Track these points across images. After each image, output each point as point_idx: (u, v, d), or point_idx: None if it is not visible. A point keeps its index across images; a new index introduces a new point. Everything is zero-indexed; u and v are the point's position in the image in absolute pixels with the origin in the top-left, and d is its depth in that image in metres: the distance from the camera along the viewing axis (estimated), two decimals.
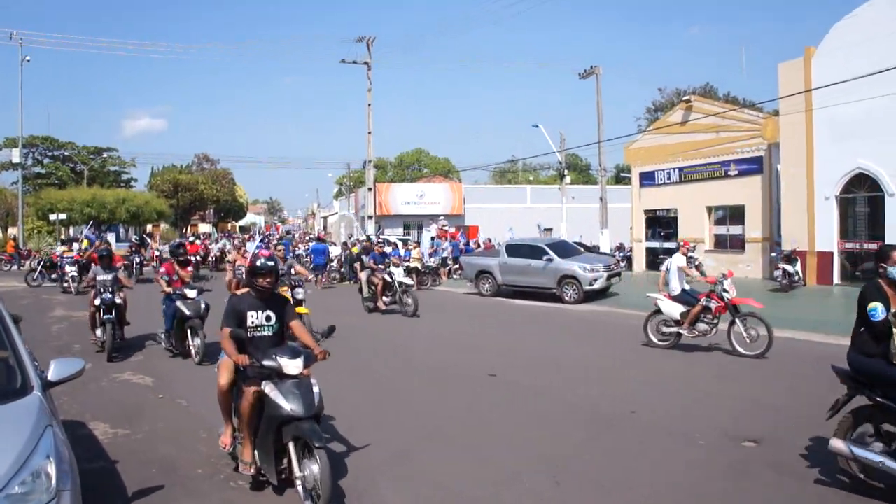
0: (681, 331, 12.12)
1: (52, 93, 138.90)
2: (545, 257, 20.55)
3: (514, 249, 22.05)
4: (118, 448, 6.96)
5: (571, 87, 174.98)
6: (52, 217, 40.02)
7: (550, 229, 43.18)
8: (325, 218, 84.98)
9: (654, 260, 28.63)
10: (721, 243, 27.54)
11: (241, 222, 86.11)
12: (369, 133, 37.33)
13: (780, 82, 22.88)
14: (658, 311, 12.55)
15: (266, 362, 5.45)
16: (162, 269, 12.13)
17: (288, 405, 5.31)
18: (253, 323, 5.88)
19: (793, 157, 22.44)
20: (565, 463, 6.46)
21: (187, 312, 11.25)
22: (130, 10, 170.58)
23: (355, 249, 28.21)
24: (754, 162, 25.66)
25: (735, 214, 26.91)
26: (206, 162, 73.15)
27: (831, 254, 21.36)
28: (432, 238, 30.24)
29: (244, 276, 13.02)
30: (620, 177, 62.80)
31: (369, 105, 37.02)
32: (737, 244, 26.75)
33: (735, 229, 26.95)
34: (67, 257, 24.34)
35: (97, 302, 11.85)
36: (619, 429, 7.48)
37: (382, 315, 17.23)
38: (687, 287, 12.65)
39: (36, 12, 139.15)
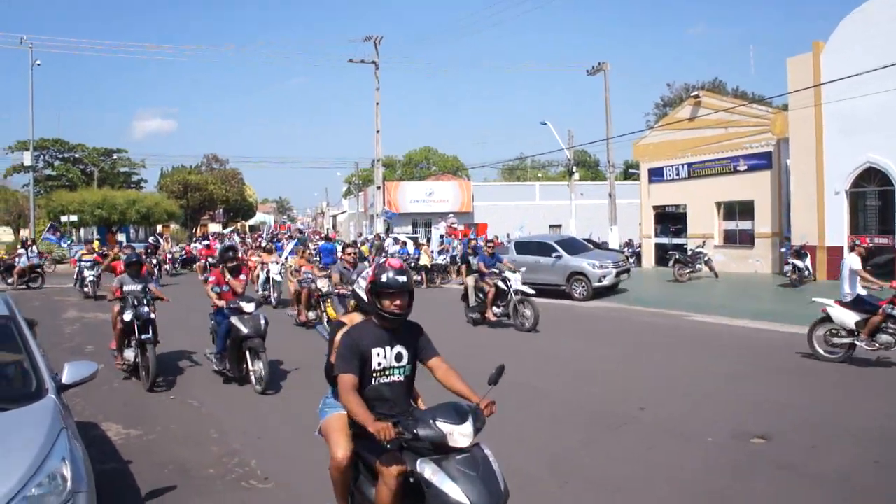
0: (856, 342, 10.43)
1: (62, 95, 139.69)
2: (554, 254, 20.57)
3: (523, 246, 22.06)
4: (131, 449, 7.03)
5: (580, 84, 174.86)
6: (64, 219, 40.29)
7: (559, 226, 43.14)
8: (334, 216, 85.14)
9: (664, 256, 28.58)
10: (730, 239, 27.49)
11: (251, 221, 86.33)
12: (377, 132, 37.44)
13: (788, 77, 22.83)
14: (826, 319, 10.90)
15: (422, 431, 3.63)
16: (211, 279, 10.28)
17: (466, 499, 3.52)
18: (380, 365, 4.06)
19: (802, 152, 22.38)
20: (574, 462, 6.49)
21: (245, 331, 9.41)
22: (138, 12, 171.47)
23: (364, 249, 28.35)
24: (763, 157, 25.60)
25: (744, 210, 26.85)
26: (216, 162, 73.39)
27: (841, 248, 21.27)
28: (441, 236, 30.27)
29: (332, 290, 12.75)
30: (629, 173, 62.69)
31: (377, 104, 37.14)
32: (746, 239, 26.69)
33: (744, 224, 26.89)
34: (87, 260, 22.49)
35: (127, 317, 9.66)
36: (628, 427, 7.50)
37: None
38: (863, 292, 10.83)
39: (44, 14, 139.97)
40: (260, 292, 19.47)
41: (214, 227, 66.46)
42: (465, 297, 15.93)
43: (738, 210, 27.24)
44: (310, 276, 15.58)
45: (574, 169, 38.36)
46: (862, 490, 5.67)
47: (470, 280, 15.60)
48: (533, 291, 14.87)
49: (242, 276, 10.37)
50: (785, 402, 8.42)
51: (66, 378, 4.75)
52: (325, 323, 12.38)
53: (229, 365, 9.75)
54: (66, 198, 42.89)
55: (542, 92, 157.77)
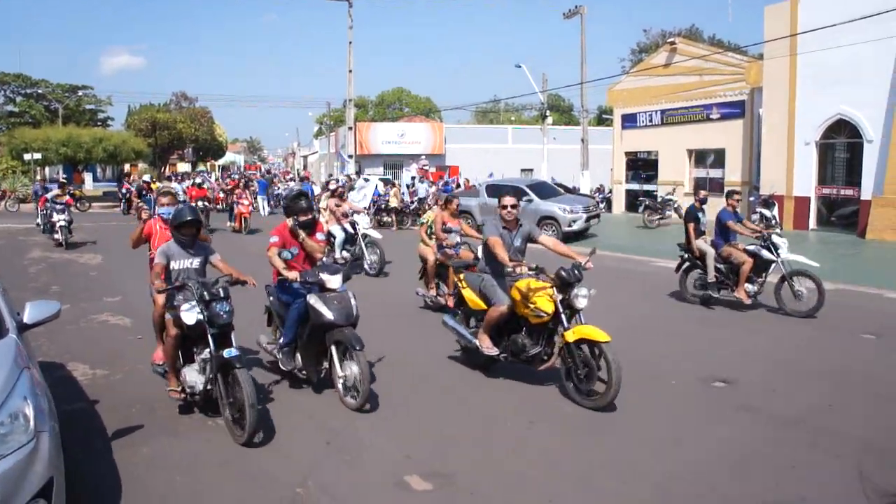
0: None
1: (23, 27, 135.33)
2: (525, 198, 20.59)
3: (495, 189, 22.04)
4: (98, 389, 7.01)
5: (555, 27, 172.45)
6: (27, 157, 39.25)
7: (531, 170, 43.13)
8: (305, 157, 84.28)
9: (634, 202, 28.74)
10: (701, 186, 27.58)
11: (221, 161, 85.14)
12: (350, 71, 36.80)
13: (765, 26, 22.71)
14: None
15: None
16: (273, 238, 7.05)
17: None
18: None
19: (775, 102, 22.42)
20: (538, 403, 6.61)
21: (330, 316, 6.43)
22: None
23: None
24: (736, 106, 25.62)
25: (715, 158, 26.98)
26: (185, 100, 71.84)
27: (808, 199, 21.53)
28: (412, 178, 30.10)
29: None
30: (603, 118, 62.48)
31: (350, 43, 36.41)
32: (716, 188, 26.84)
33: (715, 173, 27.04)
34: (59, 203, 19.81)
35: (191, 319, 5.88)
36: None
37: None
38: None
39: None
40: (338, 255, 14.44)
41: (184, 167, 65.53)
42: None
43: (710, 158, 27.36)
44: (457, 236, 11.03)
45: (547, 113, 38.27)
46: (815, 431, 5.84)
47: (705, 246, 11.21)
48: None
49: (320, 236, 7.37)
50: (750, 346, 8.60)
51: (27, 317, 4.70)
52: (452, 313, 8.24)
53: (302, 363, 6.95)
54: (29, 135, 41.62)
55: (517, 34, 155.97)
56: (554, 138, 42.73)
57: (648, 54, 40.19)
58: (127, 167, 57.00)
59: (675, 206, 24.39)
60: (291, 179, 44.03)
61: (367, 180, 29.02)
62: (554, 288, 6.66)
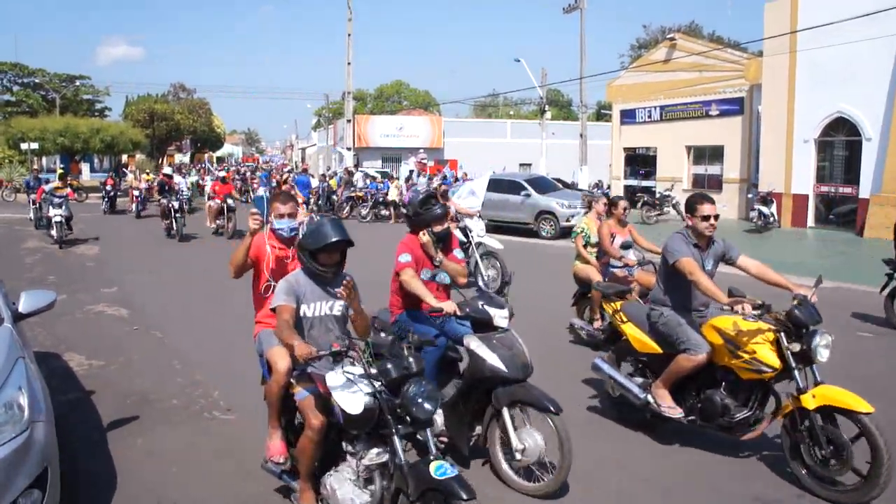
0: None
1: (20, 16, 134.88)
2: (523, 192, 20.62)
3: (493, 184, 21.93)
4: (93, 379, 6.99)
5: (555, 22, 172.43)
6: (24, 146, 39.12)
7: (529, 164, 43.09)
8: (303, 149, 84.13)
9: (632, 198, 28.70)
10: (699, 183, 27.63)
11: (219, 153, 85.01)
12: (349, 64, 36.73)
13: (765, 23, 22.70)
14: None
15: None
16: (404, 257, 5.35)
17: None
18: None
19: (774, 99, 22.40)
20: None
21: (502, 367, 4.68)
22: None
23: (333, 182, 28.14)
24: (735, 103, 25.61)
25: (714, 155, 26.97)
26: (183, 91, 71.73)
27: (807, 196, 21.53)
28: (410, 171, 30.07)
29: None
30: (601, 114, 62.40)
31: (349, 35, 36.34)
32: (714, 184, 26.86)
33: (713, 169, 27.05)
34: (58, 196, 17.87)
35: (354, 404, 3.69)
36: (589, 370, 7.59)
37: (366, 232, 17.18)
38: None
39: None
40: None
41: (181, 158, 65.41)
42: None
43: (708, 155, 27.36)
44: (632, 253, 8.47)
45: (546, 108, 38.15)
46: None
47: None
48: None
49: (458, 253, 5.70)
50: None
51: (22, 307, 4.68)
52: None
53: (446, 427, 5.03)
54: (26, 125, 41.53)
55: (517, 28, 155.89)
56: (553, 133, 42.68)
57: (648, 50, 40.10)
58: (124, 158, 56.88)
59: (674, 202, 24.38)
60: (290, 171, 43.92)
61: (365, 174, 29.00)
62: (781, 332, 4.93)
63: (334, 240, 4.06)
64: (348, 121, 38.98)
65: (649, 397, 5.52)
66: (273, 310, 4.16)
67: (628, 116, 30.39)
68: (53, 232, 17.57)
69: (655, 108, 28.84)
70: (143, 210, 26.49)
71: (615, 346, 6.19)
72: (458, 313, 4.88)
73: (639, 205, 24.48)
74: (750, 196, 22.84)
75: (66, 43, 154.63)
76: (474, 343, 4.75)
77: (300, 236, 4.26)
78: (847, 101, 20.02)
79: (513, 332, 4.91)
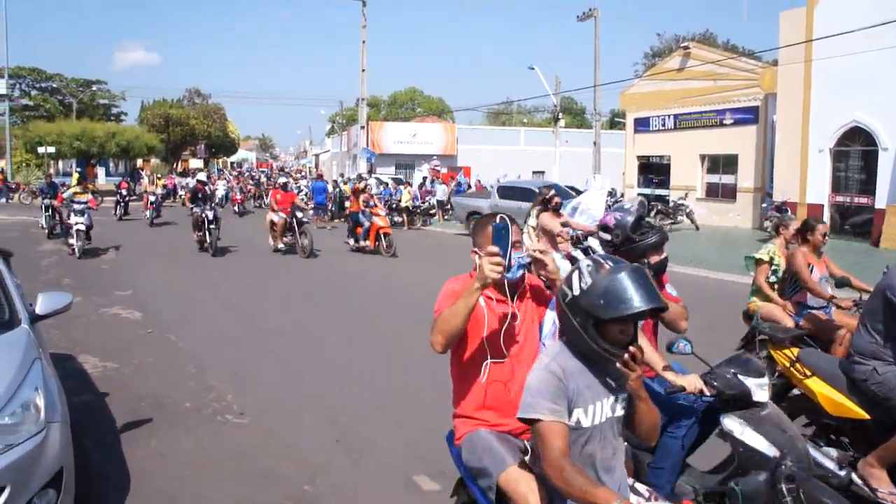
0: None
1: (38, 22, 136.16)
2: None
3: (506, 191, 22.04)
4: (107, 381, 7.02)
5: (569, 29, 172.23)
6: (41, 150, 39.60)
7: (542, 172, 43.05)
8: (316, 156, 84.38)
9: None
10: (713, 192, 27.56)
11: (233, 158, 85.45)
12: (363, 70, 36.83)
13: (780, 31, 22.64)
14: None
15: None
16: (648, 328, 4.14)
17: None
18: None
19: (789, 108, 22.31)
20: None
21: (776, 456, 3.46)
22: None
23: (347, 188, 28.18)
24: (750, 112, 25.53)
25: (728, 164, 26.89)
26: (198, 97, 72.14)
27: (822, 206, 21.40)
28: (424, 178, 30.13)
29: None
30: (615, 122, 62.30)
31: (363, 42, 36.44)
32: (728, 193, 26.77)
33: (727, 178, 26.96)
34: (79, 202, 16.73)
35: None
36: None
37: (370, 256, 17.23)
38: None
39: None
40: None
41: (196, 163, 65.75)
42: None
43: (722, 164, 27.28)
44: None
45: (560, 116, 38.11)
46: None
47: None
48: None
49: (671, 290, 4.22)
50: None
51: (39, 308, 4.71)
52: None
53: None
54: (43, 129, 42.13)
55: (531, 36, 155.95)
56: (566, 141, 42.60)
57: (662, 58, 40.08)
58: (139, 162, 57.21)
59: (687, 210, 24.32)
60: (303, 177, 44.06)
61: (379, 181, 29.04)
62: None
63: (648, 307, 2.48)
64: (362, 127, 39.08)
65: (854, 476, 4.14)
66: (524, 420, 2.61)
67: (642, 125, 30.36)
68: (72, 241, 16.32)
69: (669, 116, 28.80)
70: (157, 217, 24.95)
71: (786, 402, 4.90)
72: (707, 392, 3.48)
73: (652, 213, 24.42)
74: (764, 205, 22.73)
75: (84, 48, 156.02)
76: (735, 426, 3.52)
77: (518, 274, 3.02)
78: (863, 111, 19.91)
79: (773, 405, 3.63)
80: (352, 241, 17.90)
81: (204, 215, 16.91)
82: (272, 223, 17.46)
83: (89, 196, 17.65)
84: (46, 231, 19.91)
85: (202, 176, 21.40)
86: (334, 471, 5.12)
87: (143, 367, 7.55)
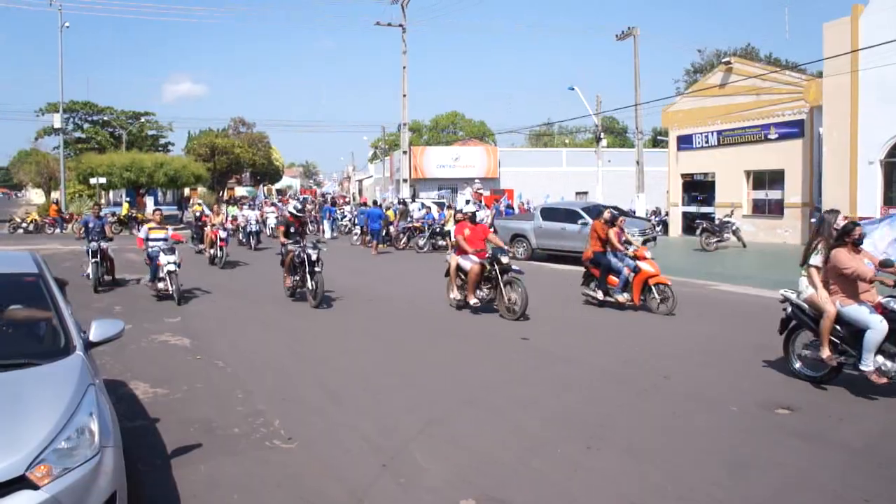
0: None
1: (91, 58, 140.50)
2: (580, 221, 20.46)
3: (549, 213, 21.99)
4: (158, 407, 7.13)
5: (609, 49, 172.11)
6: (93, 181, 40.64)
7: (585, 193, 42.74)
8: (360, 181, 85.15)
9: (691, 225, 28.31)
10: (759, 208, 27.14)
11: (277, 185, 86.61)
12: (404, 96, 37.18)
13: (824, 43, 22.32)
14: None
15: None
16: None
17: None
18: None
19: (836, 121, 21.93)
20: (598, 429, 6.46)
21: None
22: None
23: (390, 213, 28.35)
24: (795, 125, 25.15)
25: (774, 179, 26.47)
26: (243, 126, 73.44)
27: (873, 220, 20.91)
28: (467, 201, 30.17)
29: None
30: (657, 140, 61.87)
31: (404, 68, 36.82)
32: (775, 209, 26.34)
33: (774, 194, 26.53)
34: (157, 239, 14.54)
35: None
36: (651, 394, 7.47)
37: (424, 262, 17.26)
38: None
39: None
40: None
41: (241, 191, 66.78)
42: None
43: (768, 179, 26.87)
44: None
45: (601, 136, 38.01)
46: (889, 460, 5.62)
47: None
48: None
49: None
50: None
51: (93, 336, 4.81)
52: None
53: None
54: (95, 160, 43.21)
55: (570, 57, 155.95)
56: (608, 161, 42.48)
57: (703, 75, 39.75)
58: (187, 191, 58.28)
59: (734, 228, 23.96)
60: (347, 203, 44.48)
61: (422, 205, 29.26)
62: None
63: None
64: (404, 152, 39.36)
65: None
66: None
67: (685, 142, 30.08)
68: (163, 285, 13.93)
69: (713, 132, 28.49)
70: (224, 257, 20.01)
71: None
72: None
73: (697, 231, 24.12)
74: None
75: (134, 82, 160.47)
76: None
77: None
78: None
79: None
80: (599, 294, 13.06)
81: (303, 255, 13.18)
82: (472, 271, 12.24)
83: (170, 232, 15.02)
84: (93, 283, 15.15)
85: (295, 206, 15.77)
86: (382, 496, 5.11)
87: (193, 393, 7.65)
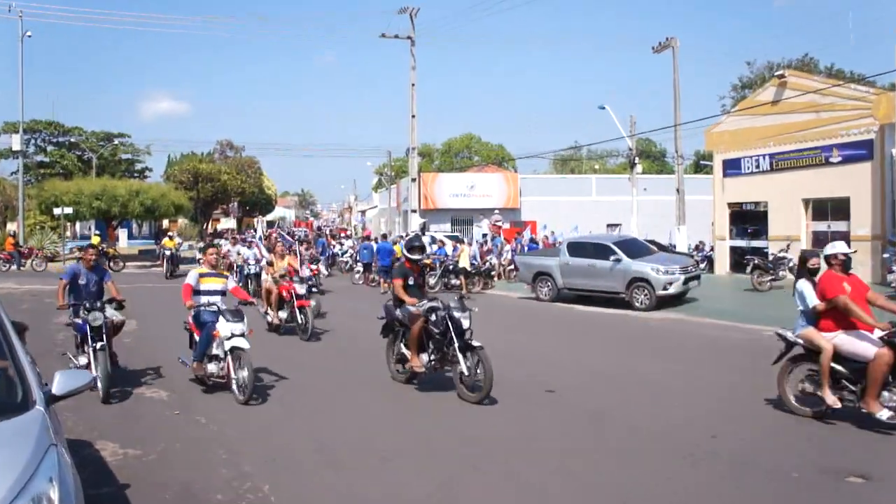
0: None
1: (56, 72, 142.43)
2: (612, 257, 20.41)
3: (577, 248, 21.94)
4: (128, 471, 7.07)
5: (644, 63, 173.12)
6: (57, 211, 40.44)
7: (618, 225, 42.78)
8: (362, 212, 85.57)
9: (740, 261, 28.18)
10: (821, 242, 26.96)
11: (269, 216, 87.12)
12: (413, 116, 37.47)
13: None
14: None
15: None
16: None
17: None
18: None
19: None
20: (641, 498, 6.38)
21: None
22: None
23: (398, 248, 28.41)
24: (862, 146, 25.06)
25: (838, 208, 26.34)
26: (230, 149, 74.07)
27: None
28: (484, 235, 30.24)
29: None
30: (700, 165, 61.99)
31: (413, 85, 37.16)
32: None
33: (838, 225, 26.36)
34: (212, 290, 10.63)
35: None
36: (699, 458, 7.37)
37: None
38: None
39: None
40: None
41: (228, 223, 67.16)
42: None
43: (831, 208, 26.73)
44: None
45: (636, 160, 38.07)
46: None
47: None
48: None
49: None
50: (887, 434, 8.18)
51: (56, 388, 4.75)
52: None
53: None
54: (60, 187, 43.05)
55: (600, 73, 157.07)
56: (644, 189, 42.55)
57: (753, 90, 39.87)
58: (165, 223, 58.56)
59: (790, 264, 23.82)
60: (348, 237, 44.61)
61: (433, 239, 29.36)
62: None
63: None
64: (413, 180, 39.52)
65: None
66: None
67: (732, 167, 30.05)
68: (216, 367, 10.24)
69: (764, 156, 28.44)
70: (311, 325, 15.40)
71: None
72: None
73: (748, 269, 23.98)
74: (886, 255, 22.14)
75: (105, 100, 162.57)
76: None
77: None
78: None
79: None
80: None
81: (450, 319, 10.02)
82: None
83: (230, 281, 11.33)
84: (102, 393, 9.67)
85: (411, 241, 11.90)
86: None
87: (169, 454, 7.60)
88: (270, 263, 16.91)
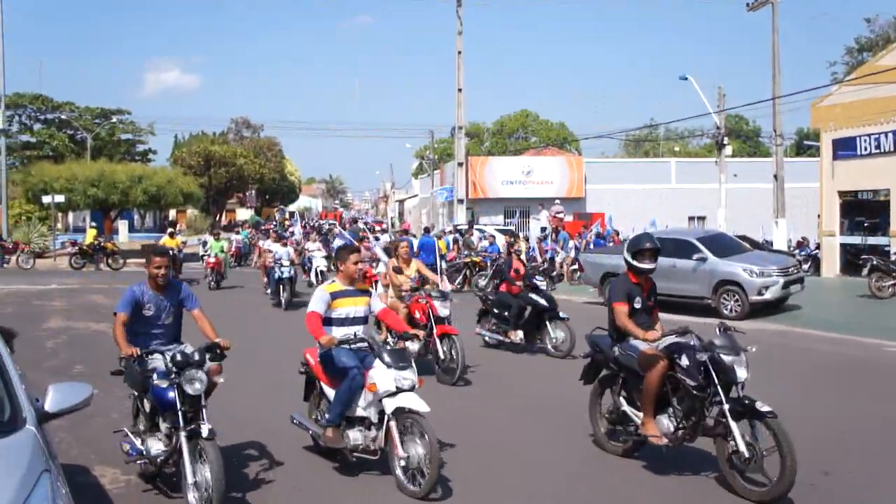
0: None
1: (44, 40, 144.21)
2: (696, 256, 20.21)
3: None
4: (129, 500, 7.13)
5: (735, 25, 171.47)
6: (46, 199, 40.30)
7: (703, 217, 42.33)
8: (400, 202, 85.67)
9: (854, 261, 27.72)
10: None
11: (293, 206, 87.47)
12: (459, 90, 37.43)
13: None
14: None
15: None
16: None
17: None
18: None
19: None
20: None
21: None
22: None
23: (442, 244, 28.39)
24: None
25: None
26: (247, 128, 74.53)
27: None
28: (543, 229, 30.12)
29: None
30: (803, 146, 61.21)
31: (459, 53, 37.11)
32: None
33: None
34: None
35: None
36: (810, 499, 7.23)
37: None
38: None
39: None
40: None
41: (244, 213, 67.52)
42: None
43: None
44: None
45: (725, 141, 37.66)
46: None
47: None
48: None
49: None
50: None
51: (50, 405, 4.76)
52: None
53: None
54: (49, 172, 42.98)
55: (682, 38, 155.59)
56: (734, 175, 42.10)
57: (873, 54, 39.25)
58: (172, 213, 58.97)
59: None
60: (384, 231, 44.59)
61: (482, 234, 29.29)
62: None
63: None
64: (460, 164, 39.45)
65: None
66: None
67: (845, 147, 29.56)
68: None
69: (887, 133, 27.90)
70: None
71: None
72: None
73: (864, 271, 23.58)
74: None
75: (103, 69, 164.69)
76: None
77: None
78: None
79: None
80: None
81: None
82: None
83: (374, 301, 9.17)
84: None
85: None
86: None
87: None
88: (398, 271, 13.45)
